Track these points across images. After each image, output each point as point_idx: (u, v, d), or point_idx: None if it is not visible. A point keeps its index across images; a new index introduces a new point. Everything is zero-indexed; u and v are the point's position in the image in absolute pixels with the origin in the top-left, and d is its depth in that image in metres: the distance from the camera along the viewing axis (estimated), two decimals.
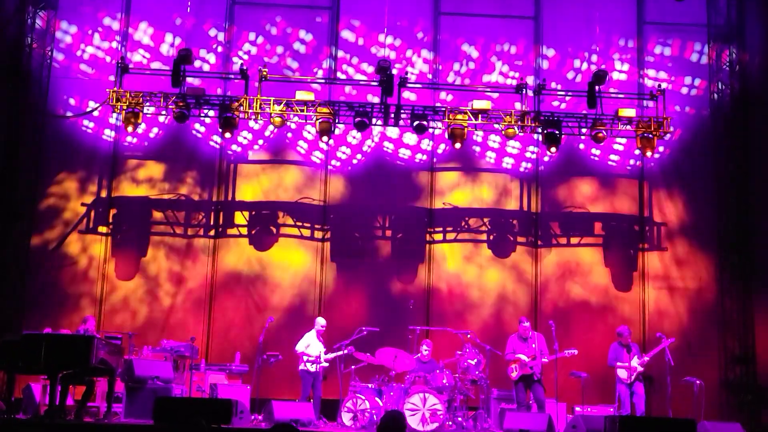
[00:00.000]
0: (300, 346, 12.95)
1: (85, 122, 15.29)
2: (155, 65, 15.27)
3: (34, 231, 14.69)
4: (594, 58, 15.61)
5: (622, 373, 12.61)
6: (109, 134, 15.31)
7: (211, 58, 15.57)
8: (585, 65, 15.68)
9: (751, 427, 13.50)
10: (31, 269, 14.55)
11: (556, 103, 15.40)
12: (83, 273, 14.84)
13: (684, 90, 15.79)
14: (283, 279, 15.09)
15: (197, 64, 14.98)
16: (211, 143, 15.41)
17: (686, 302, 15.20)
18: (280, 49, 15.70)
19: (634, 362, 12.65)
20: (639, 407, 12.46)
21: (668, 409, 12.52)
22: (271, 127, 14.81)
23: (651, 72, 15.79)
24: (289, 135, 15.46)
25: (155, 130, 15.34)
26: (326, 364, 12.85)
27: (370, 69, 15.41)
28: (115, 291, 14.85)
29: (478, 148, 15.62)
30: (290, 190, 15.41)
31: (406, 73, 14.45)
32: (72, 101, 15.30)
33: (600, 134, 14.22)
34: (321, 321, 13.22)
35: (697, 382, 12.75)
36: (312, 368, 12.75)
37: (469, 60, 15.80)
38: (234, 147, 15.42)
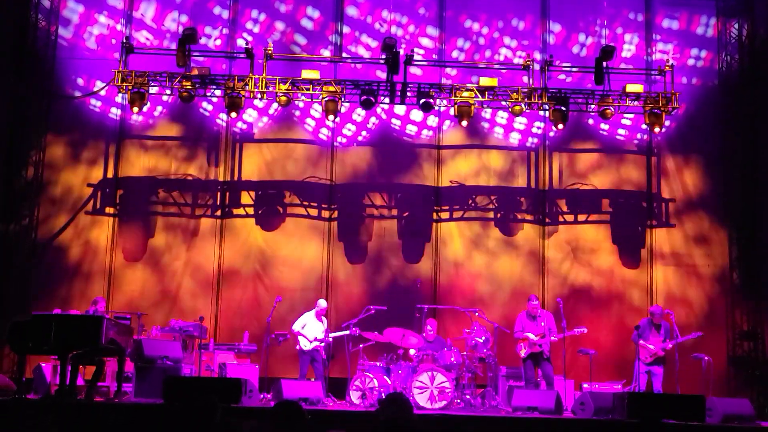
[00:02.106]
0: (296, 326, 13.03)
1: (92, 101, 15.23)
2: (164, 43, 15.21)
3: (40, 212, 14.69)
4: (605, 32, 15.43)
5: (643, 352, 12.53)
6: (115, 113, 15.25)
7: (216, 34, 15.44)
8: (590, 40, 15.49)
9: (759, 403, 13.51)
10: (39, 251, 14.57)
11: (562, 77, 15.24)
12: (91, 254, 14.81)
13: (691, 62, 15.63)
14: (290, 259, 15.04)
15: (202, 41, 14.85)
16: (218, 121, 15.33)
17: (694, 278, 15.11)
18: (281, 26, 15.53)
19: (658, 344, 12.53)
20: (656, 386, 12.43)
21: (677, 385, 12.50)
22: (275, 105, 14.67)
23: (659, 46, 15.62)
24: (297, 113, 15.38)
25: (159, 108, 15.25)
26: (321, 344, 12.86)
27: (375, 44, 15.28)
28: (123, 272, 14.84)
29: (486, 125, 15.51)
30: (297, 168, 15.32)
31: (412, 50, 14.32)
32: (80, 81, 15.21)
33: (608, 110, 14.16)
34: (322, 303, 13.23)
35: (706, 358, 12.72)
36: (306, 347, 12.82)
37: (476, 36, 15.63)
38: (239, 125, 15.34)
